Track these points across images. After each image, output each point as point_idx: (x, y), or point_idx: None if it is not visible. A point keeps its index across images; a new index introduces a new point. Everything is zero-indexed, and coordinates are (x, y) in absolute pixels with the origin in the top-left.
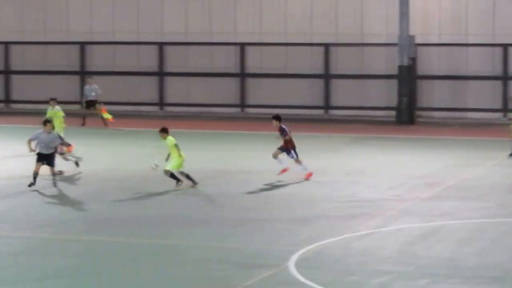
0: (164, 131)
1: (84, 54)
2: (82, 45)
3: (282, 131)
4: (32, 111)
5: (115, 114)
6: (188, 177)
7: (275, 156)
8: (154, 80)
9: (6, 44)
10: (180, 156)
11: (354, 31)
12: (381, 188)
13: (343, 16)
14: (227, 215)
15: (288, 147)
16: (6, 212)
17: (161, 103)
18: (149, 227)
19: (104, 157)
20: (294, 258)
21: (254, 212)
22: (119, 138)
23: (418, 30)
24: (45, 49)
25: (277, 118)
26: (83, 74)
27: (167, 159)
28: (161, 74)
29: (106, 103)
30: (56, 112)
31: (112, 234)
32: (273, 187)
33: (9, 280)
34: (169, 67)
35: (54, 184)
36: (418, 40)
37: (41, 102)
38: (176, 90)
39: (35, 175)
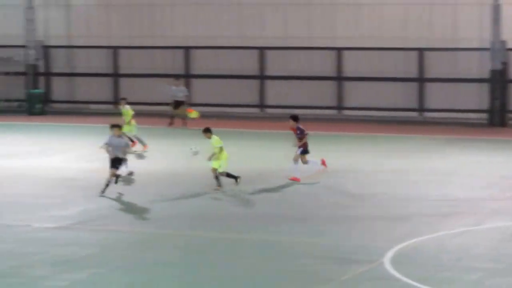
0: (208, 131)
1: (188, 58)
2: (187, 49)
3: (301, 132)
4: (139, 112)
5: (216, 116)
6: (228, 175)
7: (305, 162)
8: (255, 83)
9: (115, 48)
10: (224, 156)
11: (447, 36)
12: (474, 187)
13: (436, 22)
14: (323, 212)
15: (302, 147)
16: (120, 207)
17: (262, 105)
18: (248, 224)
19: (200, 156)
20: (390, 254)
21: (349, 210)
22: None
23: (510, 35)
24: (151, 54)
25: (294, 118)
26: (188, 77)
27: (210, 158)
28: (262, 77)
29: (208, 105)
30: (125, 111)
31: (213, 230)
32: (367, 186)
33: (123, 268)
34: (270, 70)
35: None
36: (510, 45)
37: (148, 104)
38: (276, 92)
39: (116, 177)
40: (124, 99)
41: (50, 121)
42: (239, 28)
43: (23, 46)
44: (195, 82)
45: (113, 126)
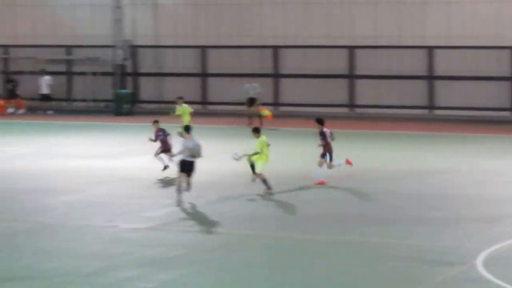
0: (256, 131)
1: (276, 58)
2: (275, 48)
3: (323, 136)
4: (227, 112)
5: (305, 115)
6: (264, 181)
7: (320, 165)
8: (344, 82)
9: (203, 48)
10: (266, 157)
11: None
12: None
13: None
14: (414, 213)
15: (325, 152)
16: (205, 208)
17: (351, 105)
18: (335, 225)
19: (283, 158)
20: (482, 256)
21: (440, 211)
22: (303, 139)
23: None
24: (239, 53)
25: (319, 121)
26: (276, 77)
27: (255, 153)
28: (351, 76)
29: (297, 105)
30: (184, 110)
31: (300, 231)
32: (457, 187)
33: (210, 269)
34: (359, 69)
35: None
36: None
37: (236, 104)
38: (365, 92)
39: (181, 187)
40: (181, 97)
41: (137, 122)
42: (328, 27)
43: (110, 46)
44: (283, 82)
45: (187, 128)
